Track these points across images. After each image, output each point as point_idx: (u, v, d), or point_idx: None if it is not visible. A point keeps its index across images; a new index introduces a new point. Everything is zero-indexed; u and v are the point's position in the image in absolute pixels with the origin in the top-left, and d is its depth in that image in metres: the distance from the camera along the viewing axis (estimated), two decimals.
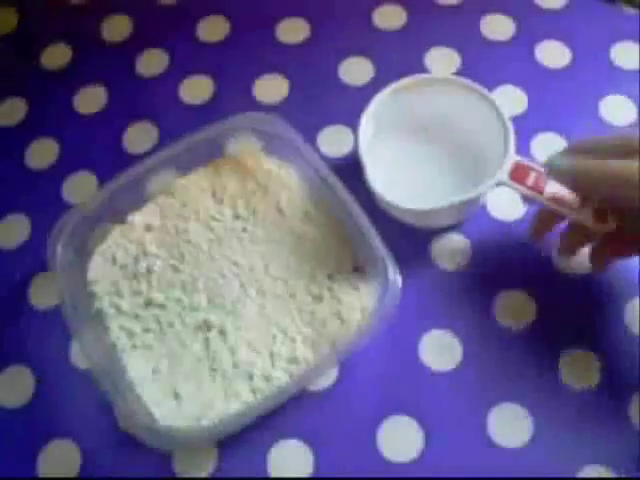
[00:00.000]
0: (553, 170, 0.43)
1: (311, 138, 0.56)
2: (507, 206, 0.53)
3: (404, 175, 0.53)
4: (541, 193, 0.45)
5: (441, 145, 0.53)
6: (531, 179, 0.45)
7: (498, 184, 0.46)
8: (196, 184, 0.54)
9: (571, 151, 0.43)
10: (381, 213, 0.52)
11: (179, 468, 0.47)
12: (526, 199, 0.48)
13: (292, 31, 0.63)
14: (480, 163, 0.51)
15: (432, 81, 0.52)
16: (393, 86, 0.51)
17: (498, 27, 0.61)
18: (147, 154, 0.57)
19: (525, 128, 0.53)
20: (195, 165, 0.54)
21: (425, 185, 0.52)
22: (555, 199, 0.44)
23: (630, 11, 0.62)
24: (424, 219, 0.52)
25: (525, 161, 0.46)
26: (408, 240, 0.52)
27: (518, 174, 0.46)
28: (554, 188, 0.44)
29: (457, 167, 0.53)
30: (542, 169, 0.44)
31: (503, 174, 0.46)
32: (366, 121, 0.50)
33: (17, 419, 0.49)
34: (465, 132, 0.52)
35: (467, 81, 0.51)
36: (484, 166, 0.49)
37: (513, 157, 0.47)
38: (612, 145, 0.41)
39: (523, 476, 0.45)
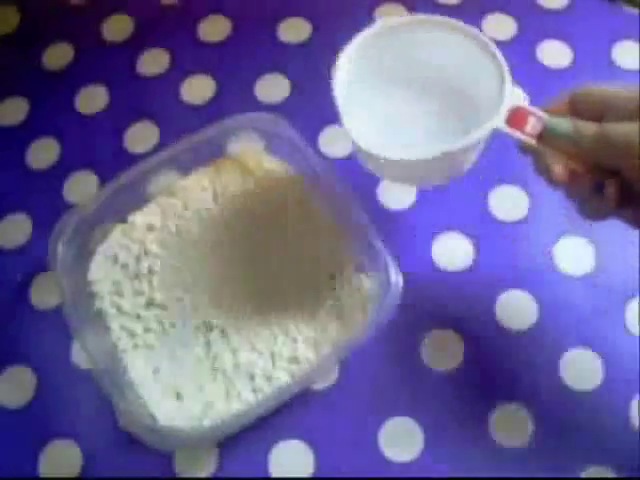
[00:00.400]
0: (551, 136, 0.39)
1: (312, 138, 0.56)
2: (511, 206, 0.53)
3: (389, 126, 0.46)
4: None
5: (432, 94, 0.47)
6: (530, 125, 0.40)
7: (494, 130, 0.41)
8: (197, 184, 0.54)
9: (573, 105, 0.40)
10: (382, 213, 0.52)
11: (180, 468, 0.47)
12: (525, 148, 0.42)
13: (293, 31, 0.63)
14: (476, 114, 0.44)
15: (424, 23, 0.46)
16: (379, 24, 0.45)
17: (499, 27, 0.61)
18: (148, 154, 0.57)
19: None
20: (196, 165, 0.54)
21: (412, 135, 0.46)
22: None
23: (631, 11, 0.62)
24: (413, 173, 0.46)
25: (525, 106, 0.41)
26: (409, 240, 0.52)
27: (516, 119, 0.41)
28: None
29: (450, 118, 0.46)
30: (543, 114, 0.40)
31: (499, 119, 0.41)
32: (344, 63, 0.44)
33: (18, 419, 0.49)
34: (460, 81, 0.46)
35: (463, 25, 0.45)
36: (479, 116, 0.43)
37: (510, 102, 0.41)
38: (621, 104, 0.37)
39: (523, 476, 0.45)
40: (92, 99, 0.61)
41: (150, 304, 0.50)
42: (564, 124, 0.39)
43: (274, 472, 0.46)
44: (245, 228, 0.52)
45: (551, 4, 0.62)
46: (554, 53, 0.59)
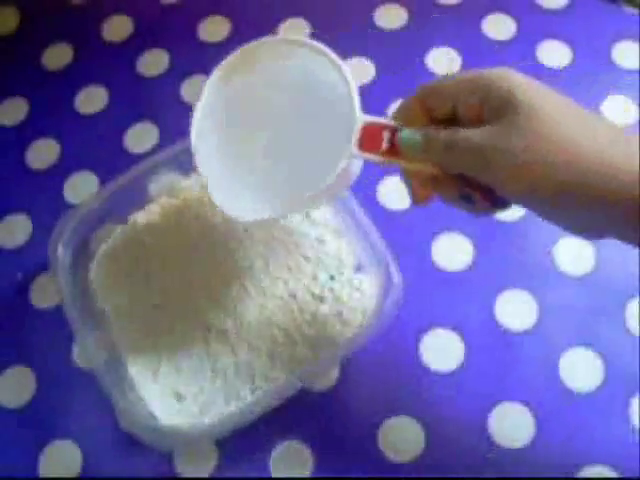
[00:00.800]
0: (405, 150, 0.37)
1: None
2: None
3: (247, 176, 0.42)
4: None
5: (288, 127, 0.42)
6: (385, 140, 0.38)
7: (350, 157, 0.38)
8: (198, 184, 0.54)
9: (423, 104, 0.37)
10: (382, 213, 0.52)
11: (180, 468, 0.47)
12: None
13: (292, 31, 0.63)
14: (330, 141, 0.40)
15: (266, 49, 0.41)
16: (221, 68, 0.42)
17: (498, 27, 0.61)
18: (148, 154, 0.57)
19: None
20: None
21: (272, 181, 0.42)
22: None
23: (631, 11, 0.62)
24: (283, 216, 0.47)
25: (376, 120, 0.38)
26: (409, 240, 0.52)
27: (370, 139, 0.38)
28: None
29: (307, 149, 0.41)
30: (396, 125, 0.38)
31: (351, 148, 0.37)
32: (199, 117, 0.43)
33: (18, 419, 0.49)
34: (312, 104, 0.41)
35: (307, 41, 0.40)
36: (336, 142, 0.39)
37: (359, 121, 0.38)
38: (466, 94, 0.35)
39: (524, 476, 0.45)
40: (92, 99, 0.61)
41: (150, 304, 0.50)
42: (415, 135, 0.36)
43: (274, 472, 0.46)
44: (245, 229, 0.52)
45: (551, 4, 0.62)
46: (554, 53, 0.59)
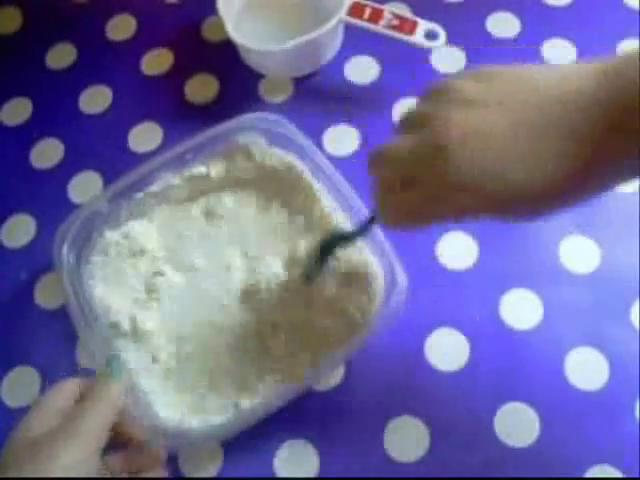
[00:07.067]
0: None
1: (316, 138, 0.56)
2: None
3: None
4: (377, 23, 0.55)
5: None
6: (367, 13, 0.55)
7: (339, 22, 0.55)
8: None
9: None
10: None
11: (185, 468, 0.47)
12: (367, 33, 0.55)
13: None
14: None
15: None
16: None
17: (503, 25, 0.61)
18: (152, 153, 0.57)
19: None
20: (199, 164, 0.53)
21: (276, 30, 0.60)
22: (391, 27, 0.54)
23: (635, 8, 0.62)
24: (282, 61, 0.59)
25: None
26: (414, 240, 0.52)
27: (356, 11, 0.55)
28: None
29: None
30: (377, 5, 0.55)
31: (342, 13, 0.55)
32: None
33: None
34: None
35: None
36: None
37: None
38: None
39: (529, 475, 0.45)
40: (96, 99, 0.61)
41: (153, 303, 0.50)
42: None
43: (279, 472, 0.46)
44: (245, 229, 0.52)
45: (555, 1, 0.62)
46: (558, 50, 0.59)
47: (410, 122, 0.36)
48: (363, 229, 0.43)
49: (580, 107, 0.30)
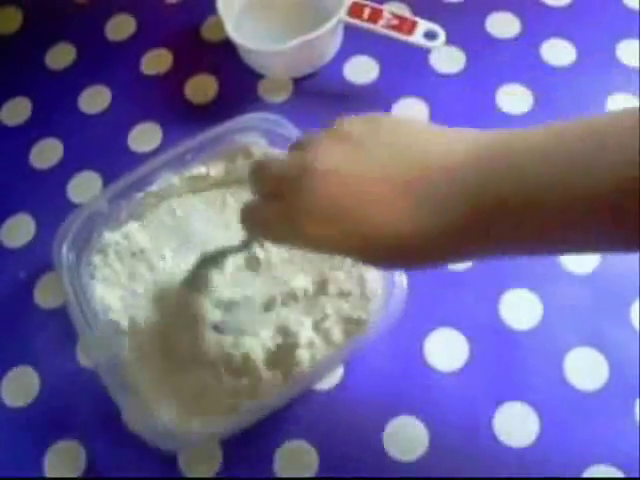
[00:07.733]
0: None
1: None
2: None
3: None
4: (377, 23, 0.55)
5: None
6: (366, 13, 0.55)
7: (339, 22, 0.56)
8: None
9: None
10: None
11: (184, 468, 0.47)
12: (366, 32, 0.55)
13: None
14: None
15: None
16: None
17: (503, 25, 0.61)
18: (152, 153, 0.57)
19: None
20: (199, 165, 0.53)
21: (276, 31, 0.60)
22: (390, 27, 0.55)
23: (635, 8, 0.62)
24: (282, 62, 0.59)
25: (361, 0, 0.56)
26: None
27: (355, 11, 0.56)
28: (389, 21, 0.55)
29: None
30: (377, 5, 0.55)
31: (341, 13, 0.56)
32: None
33: (22, 419, 0.49)
34: None
35: None
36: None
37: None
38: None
39: (529, 475, 0.45)
40: (95, 99, 0.61)
41: (154, 303, 0.50)
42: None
43: (278, 472, 0.46)
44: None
45: (555, 1, 0.62)
46: (559, 51, 0.59)
47: (298, 143, 0.38)
48: (244, 244, 0.46)
49: (447, 183, 0.30)
